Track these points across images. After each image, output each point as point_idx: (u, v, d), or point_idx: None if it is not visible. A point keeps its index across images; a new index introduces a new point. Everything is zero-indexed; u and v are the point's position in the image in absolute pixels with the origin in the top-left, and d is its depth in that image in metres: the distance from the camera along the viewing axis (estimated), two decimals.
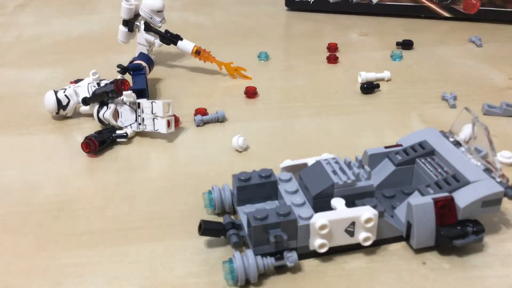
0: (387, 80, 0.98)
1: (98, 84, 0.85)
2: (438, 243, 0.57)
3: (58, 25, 1.30)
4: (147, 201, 0.67)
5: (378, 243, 0.59)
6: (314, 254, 0.57)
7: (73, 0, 1.49)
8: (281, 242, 0.54)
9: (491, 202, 0.57)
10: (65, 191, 0.70)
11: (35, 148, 0.79)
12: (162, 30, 0.98)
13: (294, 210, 0.56)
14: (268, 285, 0.55)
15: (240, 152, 0.77)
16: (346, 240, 0.57)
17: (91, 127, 0.83)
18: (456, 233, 0.56)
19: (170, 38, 0.98)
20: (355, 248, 0.58)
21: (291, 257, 0.55)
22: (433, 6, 1.26)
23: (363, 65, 1.04)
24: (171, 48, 1.02)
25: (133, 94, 0.79)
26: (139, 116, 0.79)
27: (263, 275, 0.55)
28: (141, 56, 0.96)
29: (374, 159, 0.65)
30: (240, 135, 0.77)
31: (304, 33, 1.22)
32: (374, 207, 0.56)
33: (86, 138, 0.77)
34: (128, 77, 0.90)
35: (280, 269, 0.56)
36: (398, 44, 1.12)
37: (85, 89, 0.85)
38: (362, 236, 0.56)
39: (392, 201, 0.62)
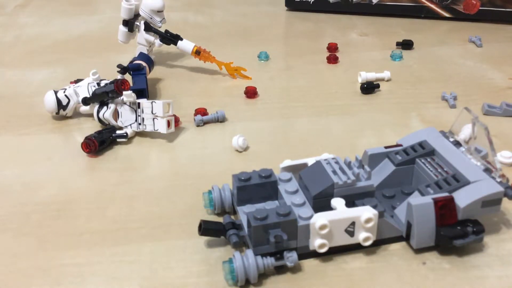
0: (387, 80, 0.98)
1: (98, 84, 0.85)
2: (438, 243, 0.57)
3: (58, 25, 1.30)
4: (147, 201, 0.67)
5: (378, 243, 0.59)
6: (314, 254, 0.57)
7: (73, 0, 1.49)
8: (281, 242, 0.54)
9: (491, 202, 0.57)
10: (65, 191, 0.70)
11: (35, 148, 0.79)
12: (162, 30, 0.98)
13: (294, 210, 0.56)
14: (268, 285, 0.55)
15: (240, 152, 0.77)
16: (346, 240, 0.57)
17: (91, 127, 0.83)
18: (456, 233, 0.56)
19: (170, 38, 0.98)
20: (355, 248, 0.58)
21: (291, 257, 0.55)
22: (433, 6, 1.26)
23: (363, 65, 1.04)
24: (171, 48, 1.02)
25: (133, 94, 0.79)
26: (139, 116, 0.79)
27: (263, 275, 0.55)
28: (141, 56, 0.96)
29: (374, 159, 0.65)
30: (240, 135, 0.77)
31: (304, 33, 1.22)
32: (374, 207, 0.56)
33: (86, 138, 0.77)
34: (128, 77, 0.90)
35: (280, 269, 0.56)
36: (398, 44, 1.12)
37: (85, 89, 0.85)
38: (362, 236, 0.56)
39: (392, 201, 0.62)
